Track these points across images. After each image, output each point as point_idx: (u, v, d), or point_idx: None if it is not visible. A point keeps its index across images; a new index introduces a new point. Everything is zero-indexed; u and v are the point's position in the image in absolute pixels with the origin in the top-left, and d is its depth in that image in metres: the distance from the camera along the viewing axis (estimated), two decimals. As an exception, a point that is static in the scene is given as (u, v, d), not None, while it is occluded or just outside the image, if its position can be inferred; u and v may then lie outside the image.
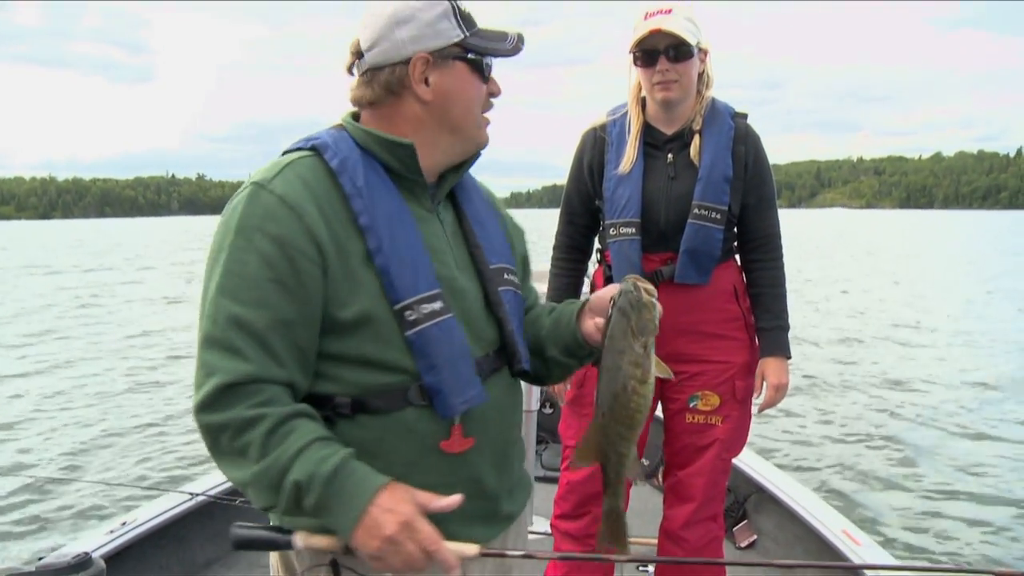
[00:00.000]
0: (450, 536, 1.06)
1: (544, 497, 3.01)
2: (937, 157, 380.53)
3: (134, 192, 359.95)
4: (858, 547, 2.49)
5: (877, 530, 4.76)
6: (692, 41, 1.96)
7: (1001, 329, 12.73)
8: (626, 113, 2.14)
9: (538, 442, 3.41)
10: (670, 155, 2.09)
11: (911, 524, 4.95)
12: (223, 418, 1.05)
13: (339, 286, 1.11)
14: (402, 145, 1.18)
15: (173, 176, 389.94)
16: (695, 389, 2.12)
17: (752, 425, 2.25)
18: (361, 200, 1.14)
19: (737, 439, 2.19)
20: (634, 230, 2.07)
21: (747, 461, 3.30)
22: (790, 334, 2.19)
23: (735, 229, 2.16)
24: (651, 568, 2.82)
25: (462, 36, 1.20)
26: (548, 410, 3.89)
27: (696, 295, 2.09)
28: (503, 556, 1.23)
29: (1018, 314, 14.50)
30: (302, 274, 1.08)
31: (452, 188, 1.31)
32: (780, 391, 2.12)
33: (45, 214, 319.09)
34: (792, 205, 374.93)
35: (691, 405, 2.13)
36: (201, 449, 6.46)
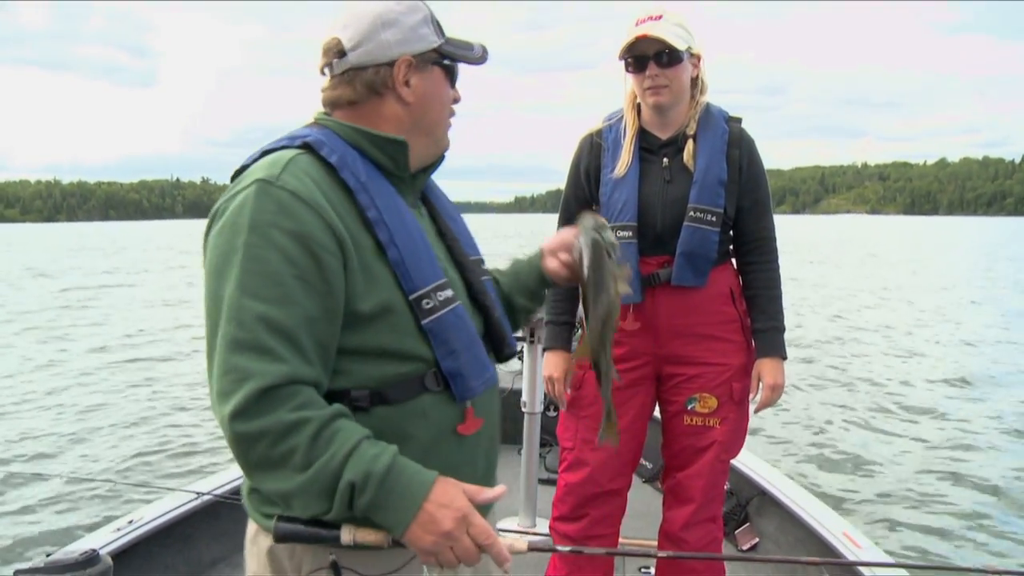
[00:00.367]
0: None
1: (547, 500, 3.03)
2: (942, 163, 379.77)
3: (138, 195, 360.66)
4: (858, 550, 2.51)
5: (877, 531, 4.79)
6: (681, 47, 1.97)
7: (1002, 329, 12.77)
8: (622, 118, 2.16)
9: (541, 445, 3.41)
10: (665, 159, 2.11)
11: (911, 524, 4.96)
12: (261, 425, 1.00)
13: (357, 279, 1.10)
14: (395, 142, 1.21)
15: (177, 180, 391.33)
16: (693, 391, 2.13)
17: (751, 427, 2.27)
18: (366, 194, 1.15)
19: (735, 440, 2.21)
20: (631, 233, 2.08)
21: (749, 464, 3.32)
22: (786, 335, 2.20)
23: (731, 232, 2.17)
24: (652, 569, 2.83)
25: (439, 42, 1.24)
26: (552, 413, 3.89)
27: (693, 297, 2.11)
28: (552, 552, 1.24)
29: (1018, 316, 14.51)
30: (325, 269, 1.06)
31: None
32: (776, 391, 2.13)
33: (50, 217, 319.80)
34: (796, 211, 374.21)
35: (689, 407, 2.14)
36: (206, 446, 6.52)
